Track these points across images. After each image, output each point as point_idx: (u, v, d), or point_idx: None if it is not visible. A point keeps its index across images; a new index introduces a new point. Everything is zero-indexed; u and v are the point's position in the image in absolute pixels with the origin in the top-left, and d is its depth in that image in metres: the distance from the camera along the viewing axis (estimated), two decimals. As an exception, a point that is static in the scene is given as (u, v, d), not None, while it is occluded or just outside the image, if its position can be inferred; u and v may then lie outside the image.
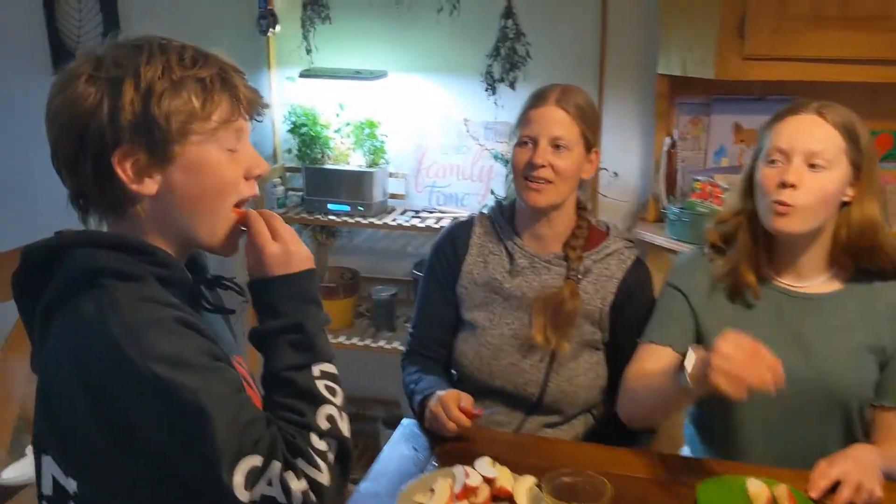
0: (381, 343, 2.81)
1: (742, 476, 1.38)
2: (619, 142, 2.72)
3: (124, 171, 0.99)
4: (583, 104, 1.68)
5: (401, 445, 1.58)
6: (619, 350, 1.70)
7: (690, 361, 1.33)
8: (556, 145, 1.63)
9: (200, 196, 1.03)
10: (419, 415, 1.64)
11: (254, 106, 1.06)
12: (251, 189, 1.07)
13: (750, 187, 1.57)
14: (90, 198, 1.03)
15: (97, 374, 0.94)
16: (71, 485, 1.00)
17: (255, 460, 0.95)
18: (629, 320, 1.68)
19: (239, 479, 0.93)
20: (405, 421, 1.66)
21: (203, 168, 1.02)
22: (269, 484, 0.96)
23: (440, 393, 1.58)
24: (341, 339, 2.83)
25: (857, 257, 1.53)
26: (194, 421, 0.93)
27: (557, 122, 1.64)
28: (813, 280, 1.56)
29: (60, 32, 3.00)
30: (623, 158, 2.72)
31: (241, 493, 0.93)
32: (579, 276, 1.68)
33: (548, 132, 1.63)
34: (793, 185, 1.45)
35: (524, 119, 1.68)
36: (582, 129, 1.66)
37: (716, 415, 1.60)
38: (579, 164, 1.66)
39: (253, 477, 0.94)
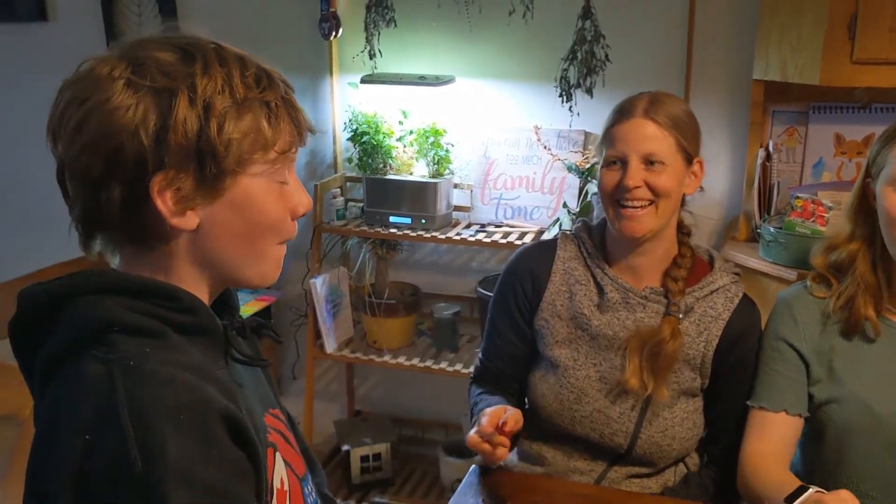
0: (443, 364, 2.64)
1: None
2: (705, 153, 2.48)
3: (164, 201, 0.83)
4: (678, 113, 1.47)
5: (468, 496, 1.41)
6: (718, 397, 1.51)
7: (801, 501, 1.18)
8: (650, 162, 1.43)
9: (248, 235, 0.89)
10: None
11: (309, 134, 0.92)
12: (294, 229, 0.93)
13: (864, 208, 1.39)
14: (108, 224, 0.86)
15: (92, 468, 0.77)
16: None
17: None
18: (734, 364, 1.49)
19: None
20: (473, 468, 1.49)
21: (253, 203, 0.88)
22: None
23: (487, 410, 1.41)
24: (401, 359, 2.68)
25: None
26: None
27: (646, 136, 1.43)
28: None
29: (117, 28, 2.92)
30: (710, 171, 2.47)
31: None
32: (681, 315, 1.48)
33: (637, 149, 1.43)
34: None
35: (608, 138, 1.48)
36: (678, 138, 1.45)
37: (828, 472, 1.40)
38: (679, 181, 1.46)
39: None
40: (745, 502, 1.46)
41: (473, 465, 1.50)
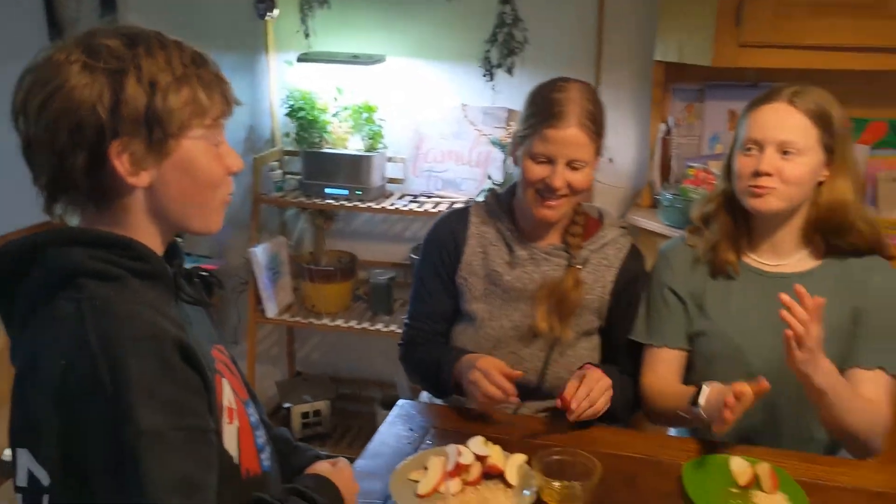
0: (379, 326, 2.84)
1: (726, 455, 1.41)
2: (614, 128, 2.67)
3: (121, 163, 0.99)
4: (595, 111, 1.62)
5: (397, 426, 1.61)
6: (612, 335, 1.74)
7: (704, 396, 1.44)
8: (573, 167, 1.60)
9: (194, 191, 1.05)
10: (453, 387, 1.64)
11: (235, 104, 1.09)
12: (231, 185, 1.11)
13: (730, 170, 1.62)
14: (72, 188, 1.01)
15: (69, 388, 0.94)
16: (44, 478, 1.00)
17: None
18: (626, 307, 1.71)
19: None
20: (401, 402, 1.69)
21: (195, 163, 1.04)
22: None
23: (473, 359, 1.58)
24: (339, 322, 2.86)
25: (827, 235, 1.59)
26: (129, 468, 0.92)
27: (577, 144, 1.59)
28: (789, 258, 1.61)
29: (59, 20, 2.99)
30: (619, 144, 2.73)
31: None
32: (580, 266, 1.70)
33: (566, 156, 1.59)
34: (767, 174, 1.51)
35: (539, 133, 1.60)
36: (598, 144, 1.63)
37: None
38: (591, 175, 1.65)
39: None
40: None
41: (401, 399, 1.70)
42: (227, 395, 1.09)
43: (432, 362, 1.71)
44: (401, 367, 1.89)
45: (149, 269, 1.03)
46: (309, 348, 3.26)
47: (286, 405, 2.93)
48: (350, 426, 3.06)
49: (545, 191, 1.61)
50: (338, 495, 1.15)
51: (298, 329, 3.16)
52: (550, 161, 1.60)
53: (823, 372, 1.40)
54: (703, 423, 1.46)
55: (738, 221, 1.63)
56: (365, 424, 3.03)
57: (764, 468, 1.37)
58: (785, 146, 1.51)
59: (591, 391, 1.49)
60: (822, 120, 1.52)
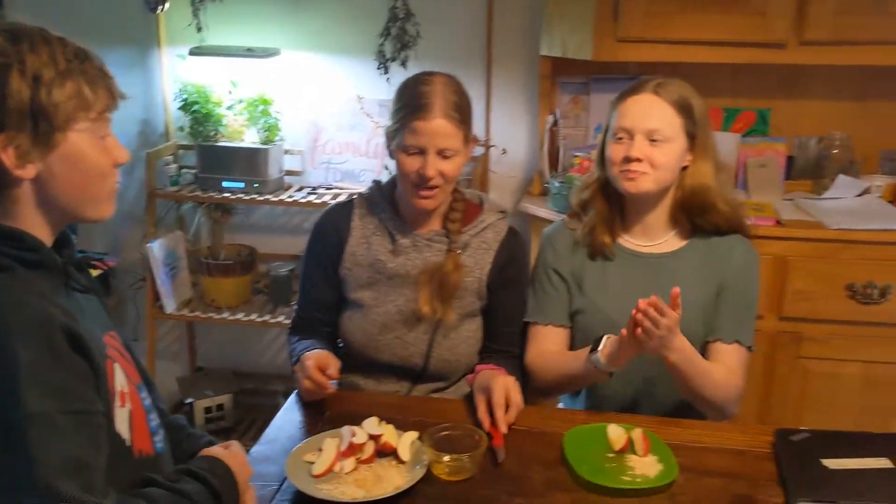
0: (280, 318, 2.85)
1: (604, 423, 1.52)
2: (507, 120, 2.84)
3: (7, 156, 1.01)
4: (460, 101, 1.70)
5: (293, 412, 1.65)
6: (493, 313, 1.82)
7: (603, 342, 1.57)
8: (444, 156, 1.67)
9: (82, 182, 1.08)
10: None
11: (120, 98, 1.12)
12: (118, 175, 1.14)
13: (603, 158, 1.73)
14: None
15: None
16: None
17: None
18: (505, 286, 1.80)
19: None
20: (297, 390, 1.73)
21: (81, 156, 1.07)
22: None
23: (307, 354, 1.66)
24: (239, 315, 2.86)
25: (691, 215, 1.71)
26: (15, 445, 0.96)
27: (444, 134, 1.66)
28: (659, 239, 1.74)
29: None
30: (511, 136, 2.85)
31: None
32: (460, 250, 1.77)
33: (436, 145, 1.66)
34: (637, 160, 1.63)
35: (408, 126, 1.67)
36: (465, 132, 1.70)
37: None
38: (463, 163, 1.73)
39: None
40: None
41: (297, 390, 1.74)
42: (120, 380, 1.13)
43: (291, 352, 1.80)
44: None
45: (38, 259, 1.06)
46: (210, 343, 3.24)
47: (188, 400, 2.91)
48: (254, 419, 3.06)
49: (420, 181, 1.68)
50: (231, 477, 1.18)
51: (199, 324, 3.14)
52: (422, 152, 1.66)
53: (677, 349, 1.53)
54: (600, 372, 1.58)
55: (613, 206, 1.75)
56: (269, 417, 2.92)
57: (637, 433, 1.48)
58: (652, 134, 1.63)
59: (508, 401, 1.57)
60: (684, 109, 1.65)
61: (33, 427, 0.95)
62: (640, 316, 1.47)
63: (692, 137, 1.67)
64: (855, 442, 1.48)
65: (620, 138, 1.66)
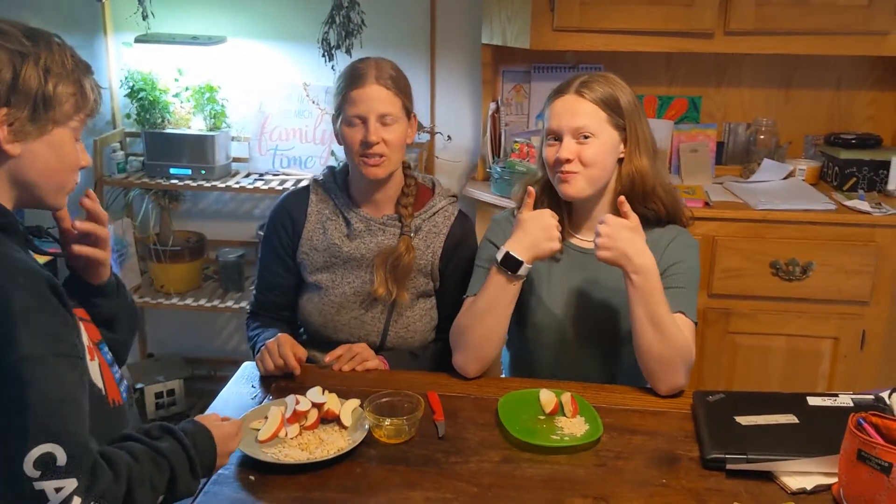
0: (230, 303, 2.89)
1: (536, 389, 1.61)
2: (451, 107, 2.92)
3: (2, 130, 1.12)
4: (396, 75, 1.79)
5: (240, 385, 1.71)
6: (446, 293, 1.90)
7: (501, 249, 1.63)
8: (384, 122, 1.75)
9: (56, 171, 1.19)
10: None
11: (98, 111, 1.26)
12: (78, 177, 1.25)
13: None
14: None
15: None
16: None
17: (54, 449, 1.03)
18: (455, 266, 1.88)
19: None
20: (245, 363, 1.79)
21: (62, 149, 1.19)
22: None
23: (280, 335, 1.73)
24: (188, 300, 2.90)
25: (634, 205, 1.71)
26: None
27: (380, 99, 1.75)
28: None
29: None
30: (456, 123, 2.92)
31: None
32: (412, 234, 1.85)
33: (375, 110, 1.74)
34: (568, 160, 1.65)
35: (347, 99, 1.76)
36: (402, 100, 1.79)
37: (523, 346, 1.84)
38: (404, 132, 1.81)
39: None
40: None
41: (245, 362, 1.80)
42: (85, 336, 1.21)
43: (255, 335, 1.87)
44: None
45: (5, 221, 1.15)
46: (160, 330, 3.26)
47: (139, 386, 2.93)
48: (206, 404, 3.06)
49: (364, 149, 1.75)
50: (211, 446, 1.25)
51: (149, 310, 3.16)
52: (363, 121, 1.75)
53: (641, 269, 1.57)
54: (507, 279, 1.63)
55: (559, 206, 1.76)
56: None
57: (566, 397, 1.58)
58: (578, 132, 1.65)
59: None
60: (608, 104, 1.67)
61: (29, 367, 1.03)
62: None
63: (622, 129, 1.69)
64: (766, 401, 1.59)
65: (551, 142, 1.69)
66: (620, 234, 1.59)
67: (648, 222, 1.74)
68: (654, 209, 1.76)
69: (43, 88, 1.13)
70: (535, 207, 1.77)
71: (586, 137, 1.66)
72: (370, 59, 1.81)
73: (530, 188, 1.64)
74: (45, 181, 1.18)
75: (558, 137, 1.69)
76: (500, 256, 1.64)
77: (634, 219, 1.61)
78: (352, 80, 1.78)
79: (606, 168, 1.70)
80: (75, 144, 1.21)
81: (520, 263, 1.63)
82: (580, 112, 1.67)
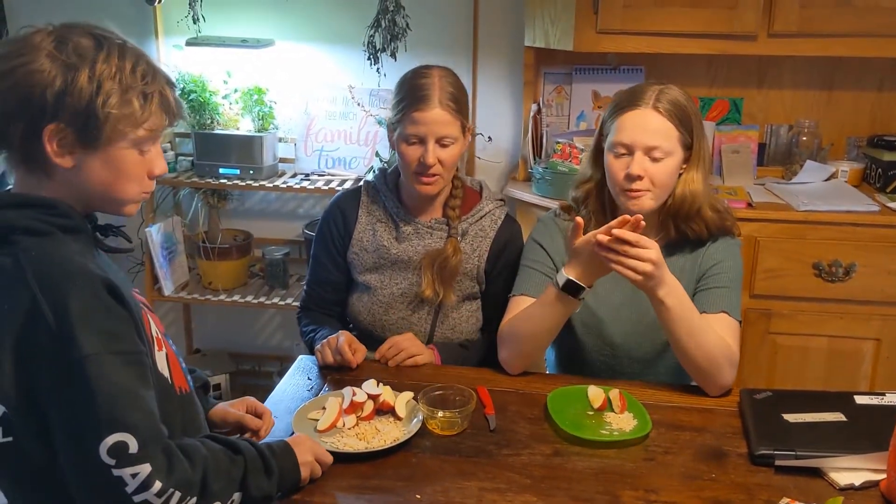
0: (276, 300, 2.96)
1: (584, 385, 1.65)
2: (492, 108, 2.96)
3: (50, 144, 1.14)
4: (458, 94, 1.81)
5: (296, 377, 1.77)
6: (492, 295, 1.94)
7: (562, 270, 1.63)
8: (443, 144, 1.78)
9: (111, 184, 1.20)
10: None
11: (179, 117, 1.24)
12: (151, 185, 1.25)
13: (597, 158, 1.77)
14: (8, 148, 1.17)
15: (16, 327, 1.10)
16: None
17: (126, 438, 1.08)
18: (501, 269, 1.92)
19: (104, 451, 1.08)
20: (301, 357, 1.85)
21: (119, 164, 1.19)
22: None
23: (343, 331, 1.80)
24: (236, 297, 2.97)
25: (677, 222, 1.75)
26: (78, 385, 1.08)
27: (442, 123, 1.77)
28: None
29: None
30: (496, 124, 2.97)
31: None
32: (459, 237, 1.89)
33: (435, 133, 1.77)
34: (639, 177, 1.64)
35: (409, 118, 1.77)
36: (462, 121, 1.82)
37: (570, 345, 1.87)
38: (461, 150, 1.85)
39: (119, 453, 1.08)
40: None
41: (301, 356, 1.86)
42: (154, 328, 1.28)
43: (310, 331, 1.92)
44: (299, 341, 2.07)
45: (72, 224, 1.19)
46: (207, 326, 3.34)
47: (186, 380, 3.01)
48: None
49: (421, 169, 1.79)
50: (294, 463, 1.31)
51: (196, 306, 3.25)
52: (422, 141, 1.78)
53: (668, 287, 1.56)
54: (567, 301, 1.62)
55: (606, 209, 1.77)
56: (264, 397, 3.13)
57: (615, 393, 1.61)
58: (652, 151, 1.64)
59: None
60: (682, 121, 1.66)
61: (88, 365, 1.08)
62: (603, 253, 1.52)
63: (688, 148, 1.69)
64: (813, 399, 1.61)
65: (620, 153, 1.67)
66: (663, 267, 1.56)
67: (686, 239, 1.75)
68: (696, 230, 1.74)
69: (92, 104, 1.12)
70: (581, 209, 1.81)
71: (657, 158, 1.65)
72: (433, 72, 1.81)
73: (578, 219, 1.58)
74: (101, 192, 1.20)
75: (630, 151, 1.66)
76: (561, 282, 1.62)
77: (654, 246, 1.57)
78: (415, 99, 1.77)
79: (671, 187, 1.71)
80: (139, 156, 1.20)
81: (582, 289, 1.62)
82: (657, 130, 1.65)
